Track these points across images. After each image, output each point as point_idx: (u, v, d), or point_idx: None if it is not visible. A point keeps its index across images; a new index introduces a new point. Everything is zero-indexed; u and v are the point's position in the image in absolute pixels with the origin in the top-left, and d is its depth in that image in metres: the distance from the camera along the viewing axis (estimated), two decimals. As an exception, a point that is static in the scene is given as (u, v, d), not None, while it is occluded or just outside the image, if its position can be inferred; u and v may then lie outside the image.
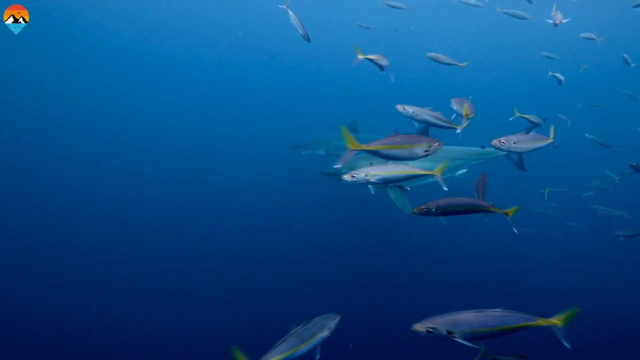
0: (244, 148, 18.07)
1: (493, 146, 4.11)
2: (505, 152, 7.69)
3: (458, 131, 4.33)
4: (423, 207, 3.67)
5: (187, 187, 14.38)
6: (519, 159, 7.98)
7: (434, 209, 3.64)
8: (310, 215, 12.02)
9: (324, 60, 29.12)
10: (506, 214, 3.80)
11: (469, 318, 2.95)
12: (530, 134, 4.55)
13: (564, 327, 3.01)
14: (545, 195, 8.31)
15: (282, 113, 23.63)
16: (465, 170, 7.17)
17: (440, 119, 4.29)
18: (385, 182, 3.92)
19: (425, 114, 4.26)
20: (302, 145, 11.88)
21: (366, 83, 27.60)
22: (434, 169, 6.64)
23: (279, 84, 27.83)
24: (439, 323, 2.91)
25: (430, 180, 6.81)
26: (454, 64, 6.14)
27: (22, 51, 21.84)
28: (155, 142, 18.37)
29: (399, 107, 4.24)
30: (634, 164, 7.16)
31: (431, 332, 2.87)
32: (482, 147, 7.53)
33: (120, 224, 11.86)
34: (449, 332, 2.87)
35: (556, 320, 3.04)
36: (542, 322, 3.04)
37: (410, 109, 4.23)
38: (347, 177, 3.75)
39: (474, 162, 7.40)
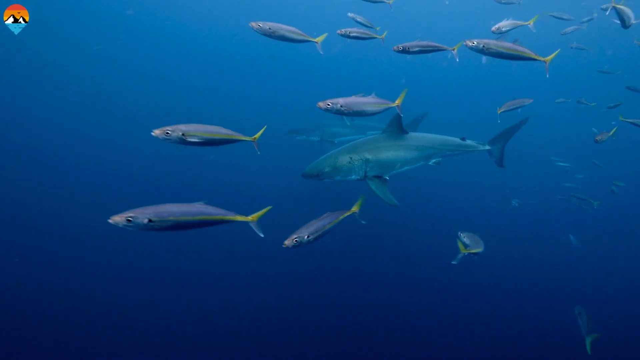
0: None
1: (320, 108, 4.30)
2: (488, 149, 7.96)
3: (318, 46, 4.75)
4: (295, 237, 3.72)
5: (187, 172, 14.59)
6: (499, 156, 8.04)
7: (306, 237, 3.74)
8: (300, 204, 12.15)
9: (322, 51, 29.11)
10: (353, 211, 4.39)
11: (170, 209, 3.04)
12: (369, 97, 4.64)
13: (257, 222, 3.41)
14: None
15: (279, 101, 23.87)
16: (439, 160, 7.27)
17: (296, 33, 4.61)
18: (203, 144, 3.71)
19: (281, 29, 4.48)
20: (296, 131, 12.19)
21: (363, 73, 27.80)
22: (418, 157, 6.96)
23: (277, 74, 27.93)
24: (139, 212, 2.91)
25: (408, 168, 7.17)
26: (370, 27, 6.33)
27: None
28: (154, 123, 18.56)
29: (254, 25, 4.34)
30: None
31: (130, 220, 2.85)
32: (463, 139, 7.61)
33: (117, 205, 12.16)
34: (150, 220, 2.91)
35: (251, 217, 3.40)
36: (239, 218, 3.35)
37: (266, 25, 4.38)
38: (157, 132, 3.45)
39: (448, 153, 7.45)
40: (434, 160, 7.23)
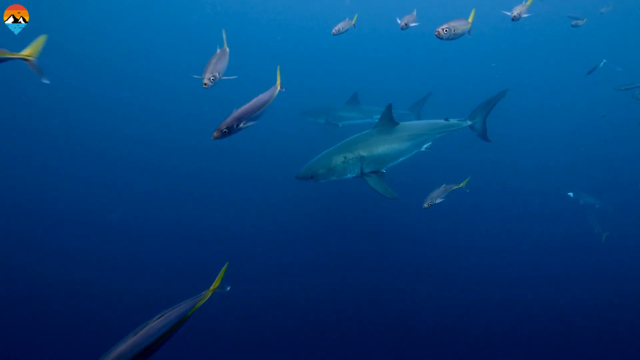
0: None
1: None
2: (470, 124, 7.98)
3: None
4: None
5: (198, 153, 14.47)
6: (482, 129, 8.06)
7: None
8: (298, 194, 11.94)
9: (332, 38, 29.10)
10: None
11: None
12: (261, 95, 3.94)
13: (35, 60, 2.70)
14: None
15: (295, 83, 23.84)
16: (430, 144, 7.36)
17: None
18: None
19: None
20: (307, 112, 12.80)
21: (370, 60, 27.96)
22: (412, 146, 7.09)
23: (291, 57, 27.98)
24: None
25: (404, 158, 7.27)
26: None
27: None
28: (165, 106, 18.71)
29: None
30: None
31: None
32: (446, 119, 7.71)
33: (125, 193, 12.31)
34: None
35: (27, 53, 2.64)
36: (15, 55, 2.53)
37: None
38: None
39: (438, 136, 7.54)
40: (426, 145, 7.35)
